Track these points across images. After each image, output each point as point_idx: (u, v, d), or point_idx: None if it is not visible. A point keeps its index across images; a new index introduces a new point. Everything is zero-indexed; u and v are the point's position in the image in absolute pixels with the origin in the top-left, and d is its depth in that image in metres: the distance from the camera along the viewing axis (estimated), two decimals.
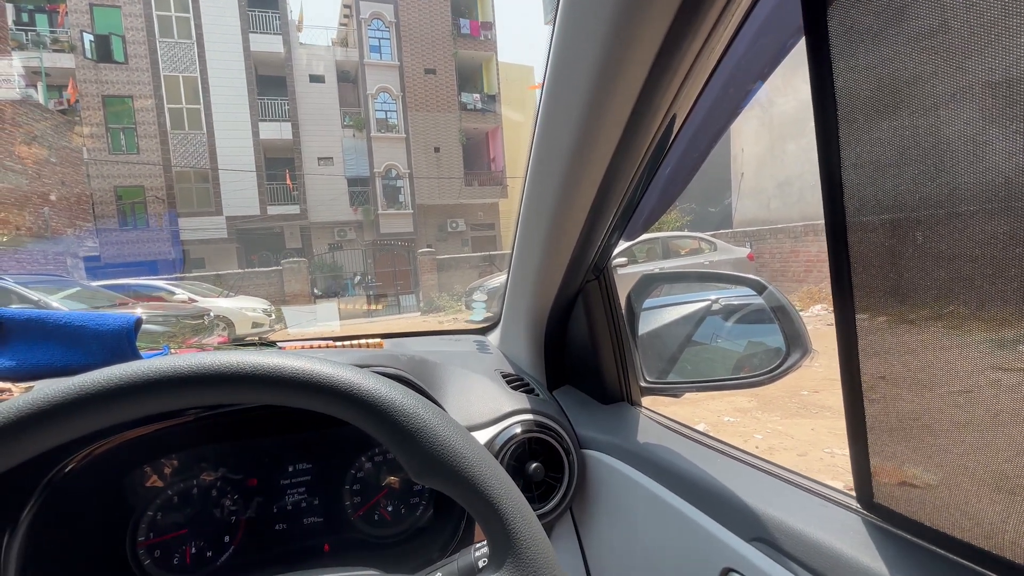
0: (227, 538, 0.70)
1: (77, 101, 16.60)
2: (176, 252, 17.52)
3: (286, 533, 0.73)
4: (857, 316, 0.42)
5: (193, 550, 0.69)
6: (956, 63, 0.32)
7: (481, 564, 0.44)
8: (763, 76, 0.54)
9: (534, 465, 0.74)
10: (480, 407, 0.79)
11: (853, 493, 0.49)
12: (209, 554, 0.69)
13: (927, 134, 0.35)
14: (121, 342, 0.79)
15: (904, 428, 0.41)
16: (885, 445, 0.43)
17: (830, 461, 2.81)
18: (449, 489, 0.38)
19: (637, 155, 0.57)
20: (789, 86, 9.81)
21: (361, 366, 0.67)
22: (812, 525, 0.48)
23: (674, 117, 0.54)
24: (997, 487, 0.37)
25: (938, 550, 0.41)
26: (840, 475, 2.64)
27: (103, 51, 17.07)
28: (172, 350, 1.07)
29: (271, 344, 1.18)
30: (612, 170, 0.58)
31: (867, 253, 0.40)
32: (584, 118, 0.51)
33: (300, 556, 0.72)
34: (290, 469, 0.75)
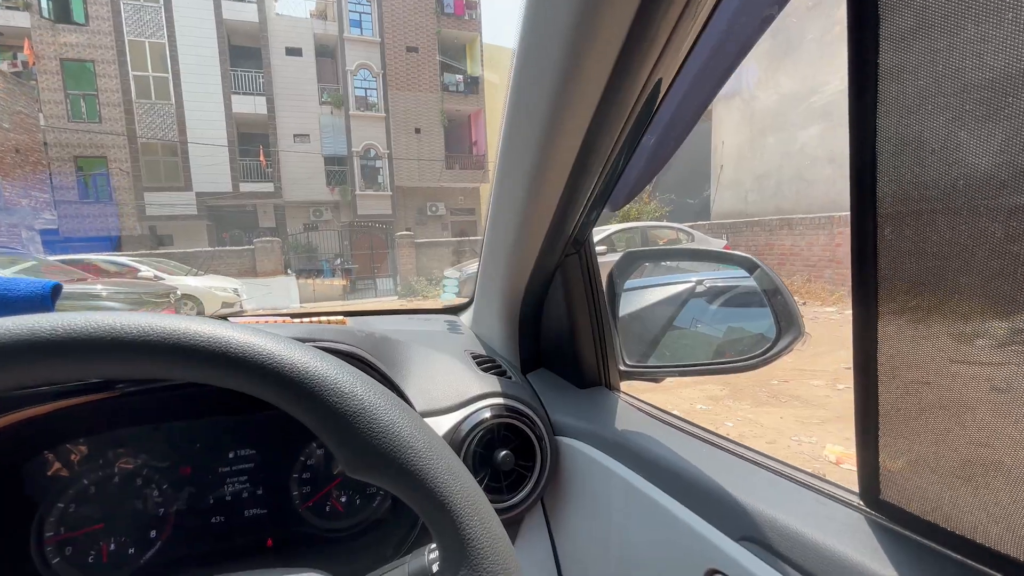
0: (153, 533, 0.62)
1: (34, 64, 15.55)
2: (142, 228, 16.72)
3: (223, 527, 0.65)
4: (879, 298, 0.36)
5: (112, 547, 0.60)
6: None
7: (435, 568, 0.38)
8: (772, 15, 0.48)
9: (503, 453, 0.68)
10: (446, 390, 0.72)
11: (855, 488, 0.44)
12: (131, 551, 0.61)
13: (983, 114, 0.29)
14: (35, 310, 0.69)
15: (923, 419, 0.36)
16: (899, 436, 0.38)
17: (797, 449, 2.86)
18: (392, 485, 0.31)
19: (618, 121, 0.53)
20: (771, 80, 9.88)
21: (306, 340, 0.59)
22: (809, 524, 0.43)
23: (659, 82, 0.50)
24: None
25: (952, 554, 0.36)
26: (807, 462, 2.68)
27: (61, 10, 15.99)
28: None
29: (223, 319, 1.08)
30: (591, 137, 0.53)
31: (895, 234, 0.35)
32: (559, 81, 0.46)
33: (238, 553, 0.65)
34: (230, 455, 0.67)
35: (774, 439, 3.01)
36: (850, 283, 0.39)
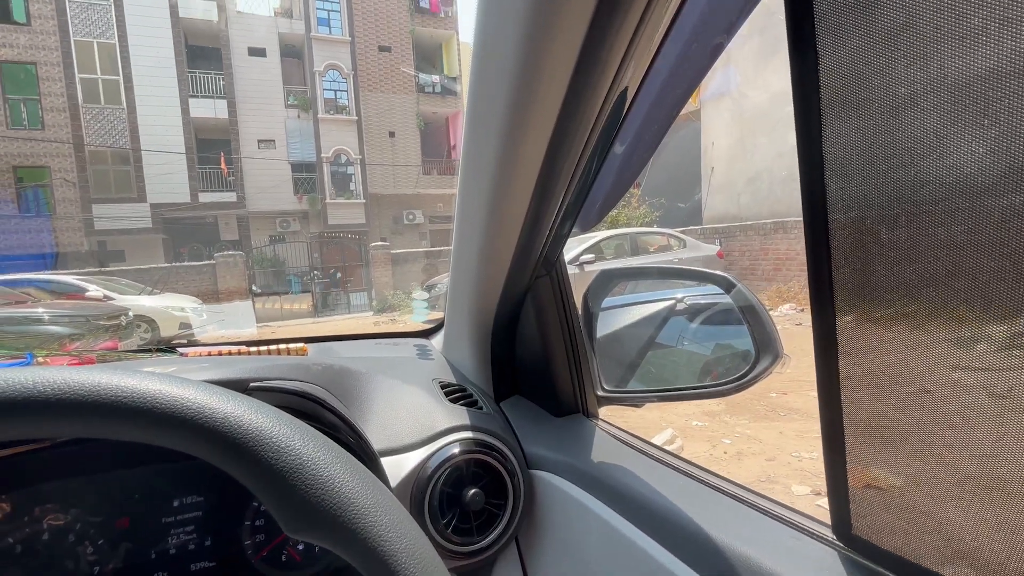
0: None
1: None
2: (90, 243, 16.31)
3: None
4: (837, 314, 0.38)
5: None
6: (967, 45, 0.29)
7: None
8: (722, 44, 0.50)
9: (472, 491, 0.68)
10: (410, 424, 0.72)
11: (829, 522, 0.45)
12: None
13: (922, 123, 0.31)
14: None
15: (890, 446, 0.38)
16: (867, 466, 0.39)
17: (798, 465, 2.89)
18: (334, 545, 0.31)
19: (582, 133, 0.54)
20: (760, 78, 10.16)
21: (251, 379, 0.59)
22: (783, 562, 0.44)
23: (625, 91, 0.51)
24: (999, 520, 0.33)
25: None
26: (807, 479, 2.72)
27: (0, 10, 15.71)
28: (39, 359, 0.94)
29: (171, 350, 1.07)
30: (555, 150, 0.54)
31: (850, 246, 0.36)
32: (515, 93, 0.47)
33: None
34: (175, 504, 0.66)
35: (774, 455, 3.05)
36: None
